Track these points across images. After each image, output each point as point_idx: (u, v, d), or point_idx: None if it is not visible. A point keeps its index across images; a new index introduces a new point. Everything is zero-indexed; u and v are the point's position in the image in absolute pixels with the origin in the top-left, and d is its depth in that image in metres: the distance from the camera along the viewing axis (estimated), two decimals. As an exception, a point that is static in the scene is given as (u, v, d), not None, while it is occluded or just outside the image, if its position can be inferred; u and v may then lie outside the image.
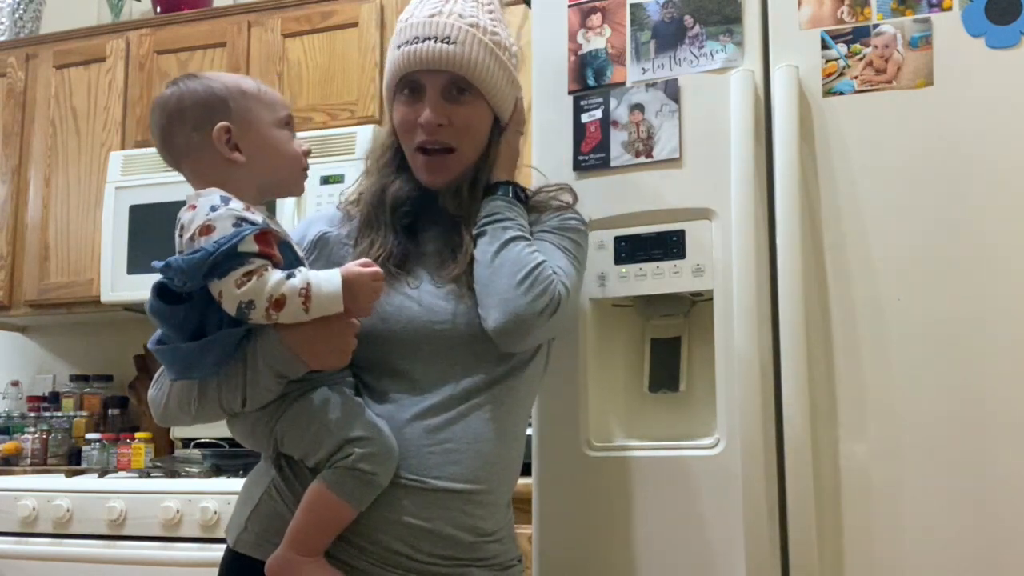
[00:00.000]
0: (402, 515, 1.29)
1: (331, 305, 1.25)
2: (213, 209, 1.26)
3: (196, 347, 1.26)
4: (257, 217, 1.28)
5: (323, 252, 1.45)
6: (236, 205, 1.27)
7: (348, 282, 1.26)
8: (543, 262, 1.36)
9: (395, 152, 1.47)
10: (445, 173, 1.43)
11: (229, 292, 1.22)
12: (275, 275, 1.24)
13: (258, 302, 1.22)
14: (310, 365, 1.28)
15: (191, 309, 1.26)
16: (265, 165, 1.34)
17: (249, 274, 1.23)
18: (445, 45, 1.39)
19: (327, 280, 1.26)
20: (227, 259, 1.22)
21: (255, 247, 1.24)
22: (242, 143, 1.33)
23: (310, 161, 1.39)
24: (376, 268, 1.30)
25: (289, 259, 1.29)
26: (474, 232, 1.40)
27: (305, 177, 1.40)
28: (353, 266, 1.29)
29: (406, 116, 1.43)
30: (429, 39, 1.39)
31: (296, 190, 1.40)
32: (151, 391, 1.37)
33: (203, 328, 1.27)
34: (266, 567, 1.26)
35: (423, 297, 1.38)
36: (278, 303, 1.23)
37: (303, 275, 1.26)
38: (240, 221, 1.25)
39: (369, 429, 1.27)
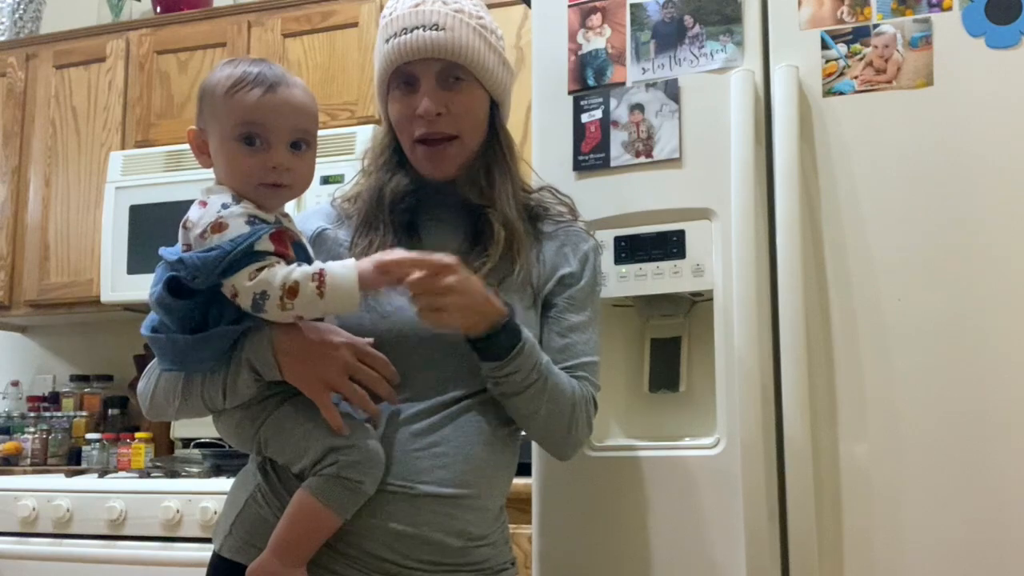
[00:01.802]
0: (388, 521, 1.27)
1: (348, 287, 1.21)
2: (225, 207, 1.24)
3: (193, 340, 1.25)
4: (269, 216, 1.27)
5: (322, 249, 1.43)
6: (248, 203, 1.26)
7: (366, 267, 1.23)
8: (575, 405, 1.37)
9: (393, 151, 1.45)
10: (448, 163, 1.41)
11: (242, 286, 1.21)
12: (285, 267, 1.22)
13: (271, 291, 1.21)
14: (284, 375, 1.25)
15: (196, 304, 1.25)
16: (222, 175, 1.29)
17: (261, 268, 1.21)
18: (435, 32, 1.37)
19: (342, 265, 1.23)
20: (243, 257, 1.21)
21: (271, 246, 1.23)
22: (210, 148, 1.30)
23: (279, 163, 1.28)
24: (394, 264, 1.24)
25: (301, 259, 1.27)
26: (490, 386, 1.34)
27: (268, 194, 1.28)
28: (368, 260, 1.25)
29: (403, 110, 1.40)
30: (417, 28, 1.37)
31: (262, 205, 1.27)
32: (140, 383, 1.36)
33: (205, 324, 1.26)
34: (247, 572, 1.24)
35: None
36: (292, 290, 1.21)
37: (316, 264, 1.24)
38: (253, 219, 1.24)
39: (355, 436, 1.25)
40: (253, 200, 1.27)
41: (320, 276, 1.21)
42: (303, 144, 1.29)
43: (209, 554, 1.36)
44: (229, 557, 1.31)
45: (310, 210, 1.54)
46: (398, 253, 1.26)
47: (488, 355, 1.30)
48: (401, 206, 1.42)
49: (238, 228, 1.22)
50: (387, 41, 1.40)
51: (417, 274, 1.23)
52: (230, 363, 1.26)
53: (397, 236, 1.40)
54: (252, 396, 1.29)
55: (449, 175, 1.42)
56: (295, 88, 1.29)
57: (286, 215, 1.32)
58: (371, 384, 1.27)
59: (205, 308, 1.25)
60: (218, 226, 1.22)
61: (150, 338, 1.29)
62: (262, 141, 1.27)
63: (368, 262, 1.24)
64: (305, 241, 1.33)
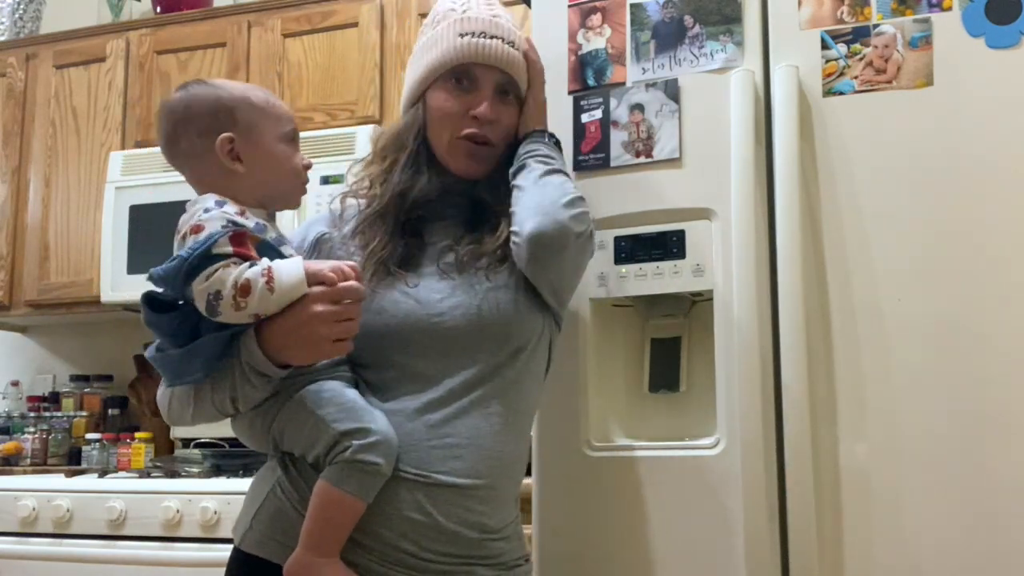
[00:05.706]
0: (405, 510, 1.28)
1: (294, 283, 1.24)
2: (206, 211, 1.28)
3: (182, 354, 1.27)
4: (249, 222, 1.29)
5: (323, 252, 1.46)
6: (230, 209, 1.29)
7: (311, 266, 1.27)
8: (583, 197, 1.41)
9: (419, 148, 1.46)
10: (484, 164, 1.46)
11: (198, 288, 1.23)
12: (239, 267, 1.24)
13: (224, 291, 1.22)
14: (291, 360, 1.27)
15: (184, 316, 1.27)
16: (264, 177, 1.35)
17: (216, 271, 1.23)
18: (511, 48, 1.45)
19: (289, 262, 1.27)
20: (202, 262, 1.22)
21: (229, 248, 1.24)
22: (244, 154, 1.33)
23: (311, 161, 1.41)
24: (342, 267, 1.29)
25: (273, 259, 1.29)
26: (513, 168, 1.43)
27: (303, 192, 1.40)
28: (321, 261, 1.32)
29: (454, 106, 1.44)
30: (497, 38, 1.44)
31: (293, 203, 1.40)
32: (159, 391, 1.38)
33: (198, 334, 1.27)
34: (284, 570, 1.26)
35: (420, 292, 1.38)
36: (244, 289, 1.22)
37: (264, 262, 1.26)
38: (229, 224, 1.26)
39: (365, 419, 1.27)
40: (280, 201, 1.37)
41: (269, 272, 1.24)
42: None
43: (209, 554, 1.37)
44: (250, 551, 1.32)
45: (311, 218, 1.58)
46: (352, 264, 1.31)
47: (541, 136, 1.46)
48: (419, 212, 1.45)
49: (212, 231, 1.25)
50: (462, 36, 1.44)
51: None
52: (234, 372, 1.28)
53: (404, 237, 1.43)
54: (263, 398, 1.30)
55: (480, 175, 1.46)
56: None
57: (272, 222, 1.36)
58: (349, 313, 1.27)
59: (195, 320, 1.26)
60: (196, 228, 1.26)
61: (151, 359, 1.32)
62: (295, 144, 1.40)
63: (320, 262, 1.30)
64: (289, 243, 1.36)
